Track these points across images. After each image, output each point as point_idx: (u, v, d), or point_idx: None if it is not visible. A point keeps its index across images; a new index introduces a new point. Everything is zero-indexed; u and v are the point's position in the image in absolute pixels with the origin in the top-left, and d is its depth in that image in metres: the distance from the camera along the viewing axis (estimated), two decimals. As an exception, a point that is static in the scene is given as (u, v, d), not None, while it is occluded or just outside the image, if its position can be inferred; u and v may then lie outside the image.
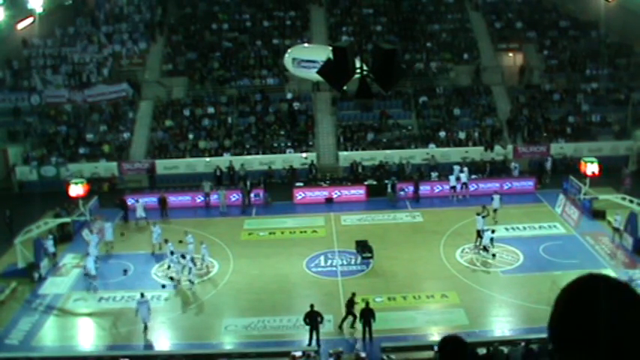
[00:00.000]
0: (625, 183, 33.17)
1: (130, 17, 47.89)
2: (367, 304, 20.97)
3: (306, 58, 24.22)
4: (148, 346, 21.70)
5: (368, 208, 33.56)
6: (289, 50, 26.55)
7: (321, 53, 24.53)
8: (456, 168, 35.06)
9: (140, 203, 31.99)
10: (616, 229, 27.60)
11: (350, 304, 21.60)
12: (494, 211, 30.22)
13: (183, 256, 25.45)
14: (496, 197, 30.76)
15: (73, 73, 43.63)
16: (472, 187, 34.41)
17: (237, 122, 41.39)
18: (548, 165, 37.06)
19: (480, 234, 27.41)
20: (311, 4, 48.94)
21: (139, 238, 30.36)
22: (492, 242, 26.86)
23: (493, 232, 27.10)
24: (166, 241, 26.81)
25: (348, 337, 21.15)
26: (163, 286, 24.78)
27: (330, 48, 25.15)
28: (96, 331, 22.57)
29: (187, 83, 43.66)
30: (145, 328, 21.86)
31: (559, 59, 44.73)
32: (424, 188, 34.75)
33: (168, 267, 26.26)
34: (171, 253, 26.02)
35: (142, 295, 22.35)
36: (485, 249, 26.90)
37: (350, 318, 21.46)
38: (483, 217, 27.66)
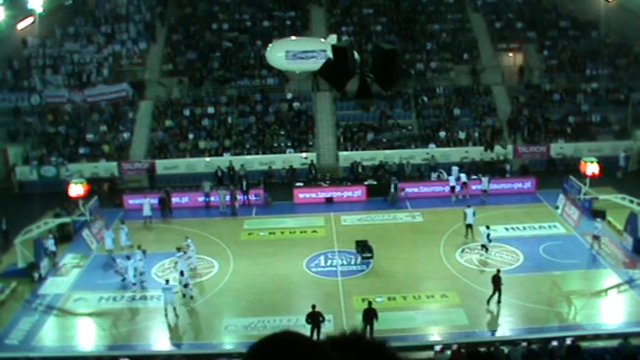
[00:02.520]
0: None
1: (130, 17, 47.90)
2: (370, 304, 20.94)
3: (302, 49, 24.20)
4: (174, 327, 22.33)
5: (368, 208, 33.54)
6: (271, 45, 26.29)
7: (315, 44, 24.60)
8: (455, 169, 35.14)
9: (147, 201, 32.16)
10: (595, 237, 26.93)
11: (496, 280, 22.26)
12: (484, 192, 33.29)
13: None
14: (484, 179, 33.48)
15: (73, 73, 43.64)
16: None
17: (237, 122, 41.39)
18: (622, 160, 36.66)
19: (470, 227, 28.34)
20: (311, 4, 48.95)
21: (141, 238, 30.35)
22: (489, 238, 26.90)
23: (488, 227, 27.11)
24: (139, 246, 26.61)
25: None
26: (182, 273, 25.17)
27: (321, 40, 25.34)
28: (96, 331, 22.56)
29: (178, 83, 43.59)
30: (166, 312, 22.56)
31: (559, 59, 44.72)
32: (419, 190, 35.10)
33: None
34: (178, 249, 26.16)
35: (167, 281, 23.30)
36: (484, 247, 26.90)
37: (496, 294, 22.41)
38: (474, 212, 28.69)
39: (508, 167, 36.67)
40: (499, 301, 22.50)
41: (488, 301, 22.49)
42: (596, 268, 25.63)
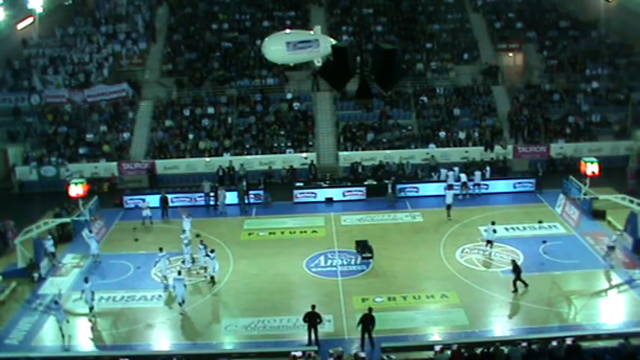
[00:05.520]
0: (630, 178, 33.42)
1: (130, 17, 47.91)
2: (370, 310, 20.80)
3: (300, 39, 24.48)
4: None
5: (368, 208, 33.54)
6: (268, 39, 26.25)
7: (307, 35, 24.95)
8: (457, 169, 35.14)
9: (146, 203, 32.24)
10: (610, 248, 25.75)
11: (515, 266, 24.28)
12: (477, 185, 34.87)
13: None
14: (477, 173, 34.96)
15: (73, 73, 43.65)
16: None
17: (237, 122, 41.40)
18: None
19: (449, 207, 31.01)
20: (311, 4, 48.99)
21: (141, 237, 30.37)
22: (494, 231, 26.99)
23: (493, 223, 27.23)
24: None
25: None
26: (165, 277, 25.37)
27: (310, 32, 25.50)
28: (96, 331, 22.55)
29: (177, 83, 43.61)
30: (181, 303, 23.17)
31: (559, 59, 44.74)
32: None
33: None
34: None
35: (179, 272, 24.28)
36: (489, 243, 26.91)
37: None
38: (453, 195, 31.52)
39: (487, 169, 36.28)
40: (525, 284, 23.97)
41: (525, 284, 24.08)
42: (596, 268, 25.62)
